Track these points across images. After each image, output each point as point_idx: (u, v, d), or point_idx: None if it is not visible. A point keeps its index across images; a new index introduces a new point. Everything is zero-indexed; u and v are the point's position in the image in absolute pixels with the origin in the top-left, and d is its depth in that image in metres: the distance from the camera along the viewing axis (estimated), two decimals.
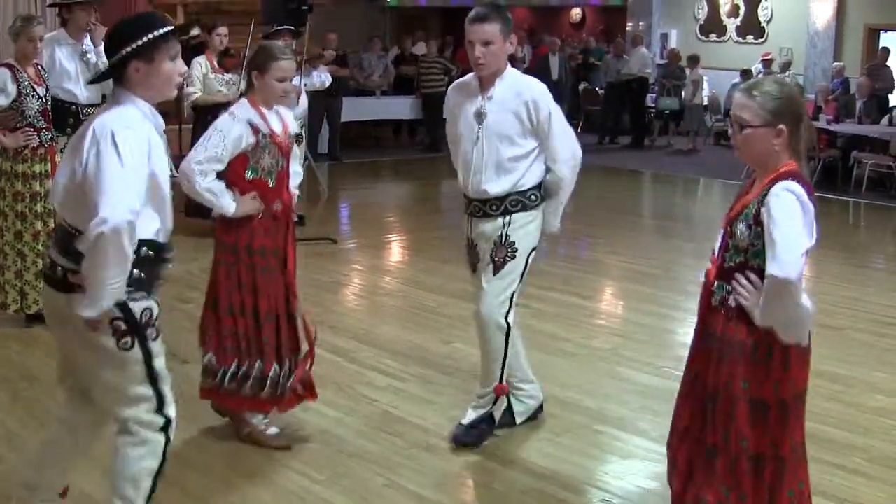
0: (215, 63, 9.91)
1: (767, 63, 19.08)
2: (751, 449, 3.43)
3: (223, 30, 10.03)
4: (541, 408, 5.40)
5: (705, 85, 18.46)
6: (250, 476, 4.73)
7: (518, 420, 5.27)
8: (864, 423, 5.53)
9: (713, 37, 21.21)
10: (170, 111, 11.27)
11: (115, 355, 3.58)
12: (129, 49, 3.54)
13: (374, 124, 18.18)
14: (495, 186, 4.84)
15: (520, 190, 4.87)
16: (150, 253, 3.56)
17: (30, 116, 6.70)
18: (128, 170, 3.38)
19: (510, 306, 4.94)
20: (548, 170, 4.94)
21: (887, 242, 11.78)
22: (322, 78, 10.59)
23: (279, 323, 4.95)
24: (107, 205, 3.28)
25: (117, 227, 3.25)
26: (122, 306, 3.49)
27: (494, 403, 5.11)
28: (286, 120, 5.05)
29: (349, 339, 6.80)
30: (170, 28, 3.65)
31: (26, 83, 6.69)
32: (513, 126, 4.80)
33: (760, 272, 3.32)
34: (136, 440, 3.74)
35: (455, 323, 7.05)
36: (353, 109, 16.33)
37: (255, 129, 4.81)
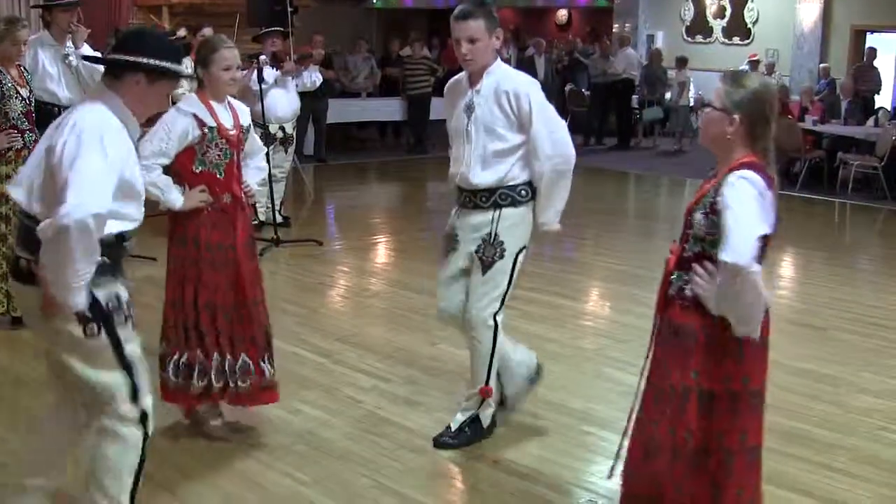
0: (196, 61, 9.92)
1: (754, 64, 19.15)
2: (694, 442, 3.46)
3: (208, 31, 10.05)
4: (538, 371, 5.42)
5: (691, 86, 18.52)
6: (235, 477, 4.74)
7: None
8: (848, 423, 5.56)
9: (699, 38, 21.27)
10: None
11: (82, 343, 3.61)
12: (139, 59, 3.64)
13: (359, 126, 18.20)
14: (483, 178, 4.85)
15: (509, 184, 4.86)
16: (114, 238, 3.62)
17: (13, 118, 6.71)
18: (107, 169, 3.44)
19: (500, 306, 4.95)
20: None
21: (872, 243, 11.83)
22: (313, 77, 10.60)
23: (222, 315, 4.92)
24: (78, 197, 3.32)
25: (83, 221, 3.28)
26: (89, 295, 3.53)
27: (480, 405, 5.13)
28: (238, 113, 5.07)
29: (334, 340, 6.81)
30: (183, 71, 3.82)
31: (9, 85, 6.70)
32: (498, 119, 4.81)
33: (716, 261, 3.35)
34: (114, 436, 3.76)
35: (440, 324, 7.03)
36: (339, 111, 16.33)
37: (201, 123, 4.85)
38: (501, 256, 4.89)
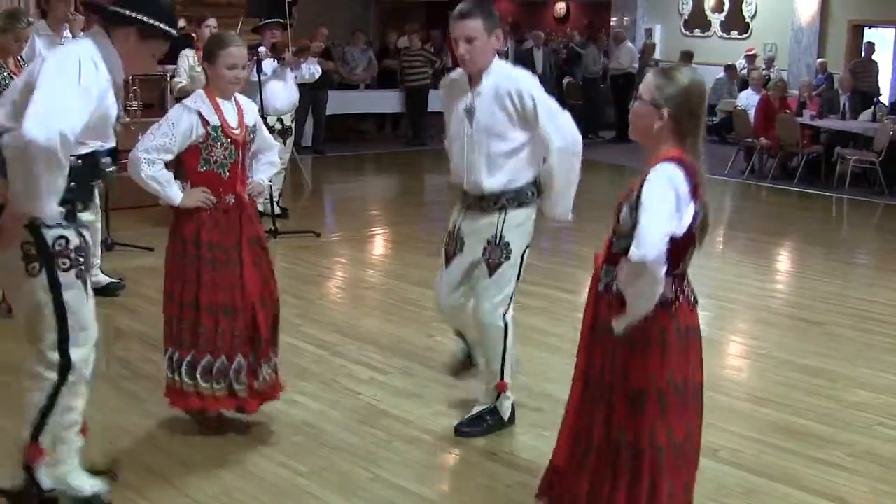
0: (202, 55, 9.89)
1: (751, 58, 19.17)
2: (629, 439, 3.46)
3: (213, 22, 9.99)
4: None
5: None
6: (234, 468, 4.72)
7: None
8: (845, 418, 5.56)
9: (697, 32, 21.27)
10: (153, 103, 11.26)
11: (24, 279, 3.76)
12: (139, 16, 3.83)
13: (357, 118, 18.18)
14: (490, 183, 4.81)
15: (516, 187, 4.84)
16: (80, 163, 3.77)
17: None
18: (79, 93, 3.61)
19: (508, 305, 4.96)
20: (545, 160, 4.89)
21: (870, 238, 11.83)
22: (311, 70, 10.56)
23: (223, 317, 4.88)
24: (46, 113, 3.47)
25: (49, 137, 3.42)
26: (35, 230, 3.68)
27: (497, 399, 5.14)
28: (244, 111, 5.03)
29: (332, 332, 6.80)
30: (175, 34, 3.96)
31: (6, 74, 6.70)
32: (501, 120, 4.76)
33: None
34: (31, 373, 3.91)
35: (438, 317, 7.03)
36: (338, 103, 16.32)
37: (206, 122, 4.82)
38: (507, 258, 4.88)
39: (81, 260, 3.83)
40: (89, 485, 4.16)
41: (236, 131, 4.91)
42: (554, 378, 5.88)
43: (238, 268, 4.90)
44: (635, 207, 3.33)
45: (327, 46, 15.62)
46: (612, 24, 21.45)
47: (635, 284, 3.25)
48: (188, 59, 9.74)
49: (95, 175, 3.94)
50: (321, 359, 6.23)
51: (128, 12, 3.83)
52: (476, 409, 5.19)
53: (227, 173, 4.89)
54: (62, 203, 3.70)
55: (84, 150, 3.79)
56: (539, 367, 6.05)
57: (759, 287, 8.59)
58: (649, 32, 21.69)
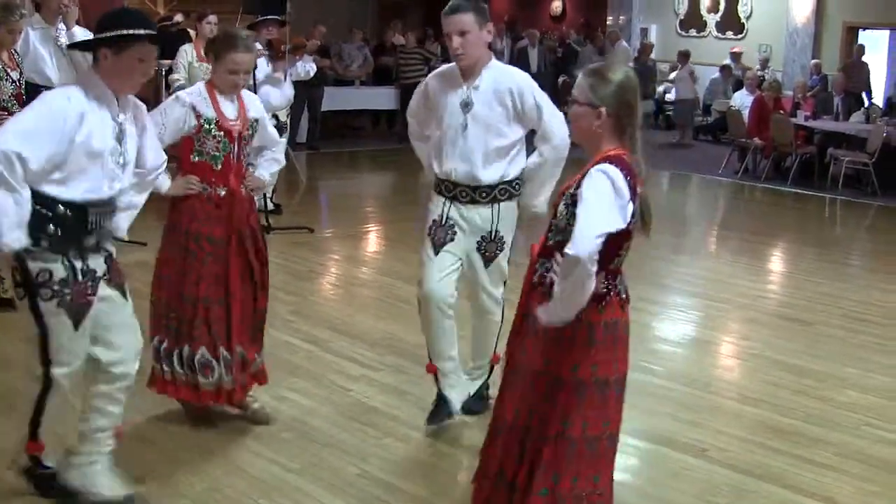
0: (202, 52, 9.84)
1: (737, 56, 19.17)
2: (536, 425, 3.50)
3: (213, 18, 9.97)
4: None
5: (696, 79, 18.42)
6: (223, 464, 4.73)
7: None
8: (833, 418, 5.58)
9: (693, 32, 21.29)
10: (148, 98, 11.22)
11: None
12: (100, 36, 3.84)
13: (352, 114, 18.16)
14: (487, 175, 4.91)
15: (507, 179, 4.97)
16: (68, 213, 3.78)
17: (4, 100, 6.68)
18: (35, 117, 3.68)
19: (503, 288, 5.16)
20: (533, 152, 5.04)
21: (862, 239, 11.86)
22: (307, 68, 10.52)
23: (208, 309, 4.91)
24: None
25: None
26: (21, 260, 3.76)
27: (490, 371, 5.30)
28: (247, 106, 5.02)
29: (324, 328, 6.80)
30: (144, 31, 3.86)
31: (0, 68, 6.67)
32: (500, 116, 4.86)
33: None
34: (27, 373, 4.06)
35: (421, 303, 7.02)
36: (333, 99, 16.30)
37: (198, 114, 4.84)
38: (501, 248, 5.06)
39: (67, 291, 3.85)
40: (109, 488, 4.19)
41: (233, 124, 4.91)
42: None
43: (225, 261, 4.91)
44: (572, 204, 3.37)
45: (323, 44, 15.61)
46: (608, 22, 21.45)
47: (567, 280, 3.27)
48: (187, 54, 9.72)
49: (84, 230, 3.87)
50: (312, 355, 6.23)
51: (87, 38, 3.92)
52: (475, 384, 5.34)
53: (220, 165, 4.89)
54: (39, 238, 3.75)
55: (68, 196, 3.78)
56: None
57: (751, 287, 8.59)
58: (645, 32, 21.70)
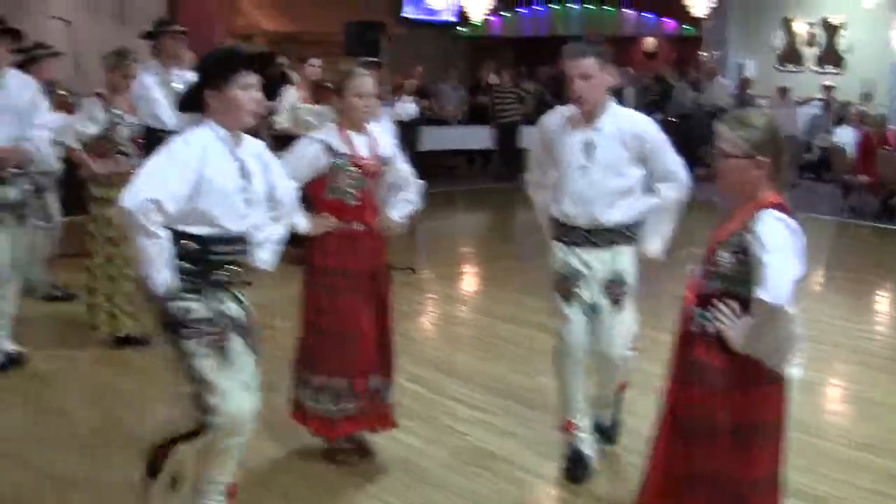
0: (306, 94, 10.01)
1: (827, 89, 18.84)
2: (732, 474, 3.48)
3: (316, 61, 10.12)
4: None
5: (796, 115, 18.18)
6: (333, 502, 4.80)
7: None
8: None
9: (790, 67, 21.06)
10: None
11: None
12: (200, 78, 4.00)
13: (447, 154, 18.27)
14: (609, 217, 4.92)
15: (628, 222, 4.98)
16: (196, 246, 3.91)
17: (120, 144, 6.93)
18: (169, 162, 3.84)
19: (630, 336, 5.14)
20: (653, 194, 5.05)
21: None
22: (408, 109, 10.65)
23: (345, 342, 5.03)
24: (130, 190, 3.77)
25: (132, 211, 3.73)
26: (160, 301, 3.85)
27: (617, 397, 5.39)
28: (379, 143, 5.14)
29: (430, 368, 6.85)
30: (240, 58, 4.00)
31: (117, 112, 6.93)
32: (621, 158, 4.89)
33: (741, 300, 3.38)
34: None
35: (534, 355, 7.05)
36: (430, 139, 16.44)
37: (331, 151, 4.95)
38: (626, 292, 5.03)
39: (207, 330, 3.92)
40: None
41: (366, 161, 5.02)
42: (638, 413, 5.82)
43: (360, 295, 5.04)
44: (741, 251, 3.37)
45: (420, 84, 15.77)
46: (702, 58, 21.30)
47: (774, 329, 3.28)
48: (289, 97, 9.88)
49: (217, 267, 3.99)
50: (420, 395, 6.27)
51: (190, 88, 4.06)
52: (605, 414, 5.39)
53: (354, 201, 5.02)
54: (182, 278, 3.88)
55: (199, 233, 3.92)
56: (643, 409, 5.96)
57: (859, 329, 8.45)
58: (741, 67, 21.52)
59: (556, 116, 5.13)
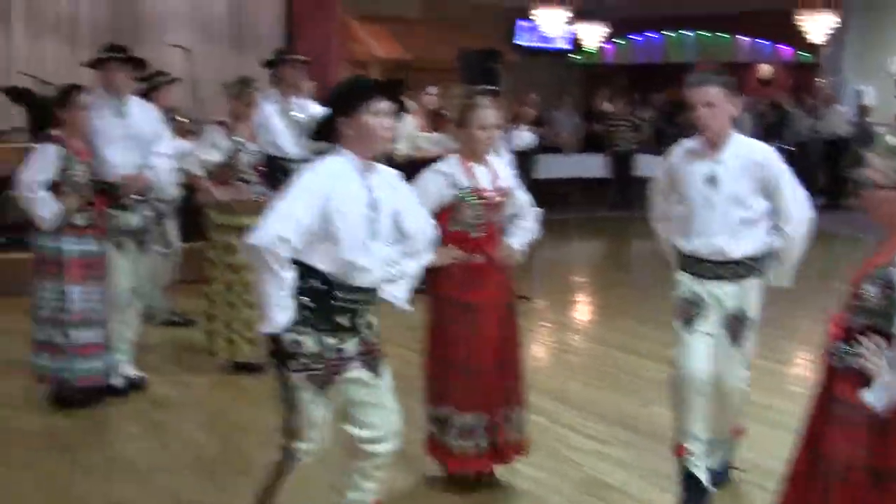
0: (424, 122, 10.04)
1: None
2: None
3: (433, 89, 10.18)
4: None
5: None
6: None
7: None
8: None
9: None
10: None
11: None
12: (333, 106, 4.01)
13: (561, 182, 18.13)
14: (734, 249, 4.84)
15: (754, 255, 4.88)
16: (322, 286, 3.89)
17: (242, 171, 7.04)
18: (289, 201, 3.83)
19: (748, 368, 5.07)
20: (777, 231, 4.93)
21: None
22: (525, 138, 10.63)
23: (475, 375, 5.01)
24: (259, 227, 3.79)
25: (258, 247, 3.74)
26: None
27: (732, 443, 5.26)
28: (500, 173, 5.12)
29: (547, 398, 6.75)
30: (372, 85, 4.04)
31: (239, 139, 7.04)
32: (746, 189, 4.81)
33: (887, 335, 3.23)
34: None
35: (648, 384, 6.98)
36: (544, 167, 16.25)
37: (455, 184, 4.94)
38: (749, 326, 4.95)
39: (316, 366, 3.92)
40: None
41: (489, 193, 5.00)
42: (778, 454, 5.68)
43: (488, 327, 5.02)
44: (888, 285, 3.24)
45: (538, 112, 15.74)
46: (819, 85, 20.88)
47: None
48: (407, 125, 9.90)
49: (337, 301, 3.94)
50: (540, 426, 6.12)
51: (324, 119, 4.04)
52: (715, 458, 5.19)
53: (477, 232, 4.99)
54: (299, 311, 3.87)
55: (322, 267, 3.89)
56: (759, 442, 5.84)
57: None
58: (859, 94, 21.02)
59: (679, 149, 5.08)
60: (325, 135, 4.06)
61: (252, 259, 3.86)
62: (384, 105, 3.97)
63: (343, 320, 3.95)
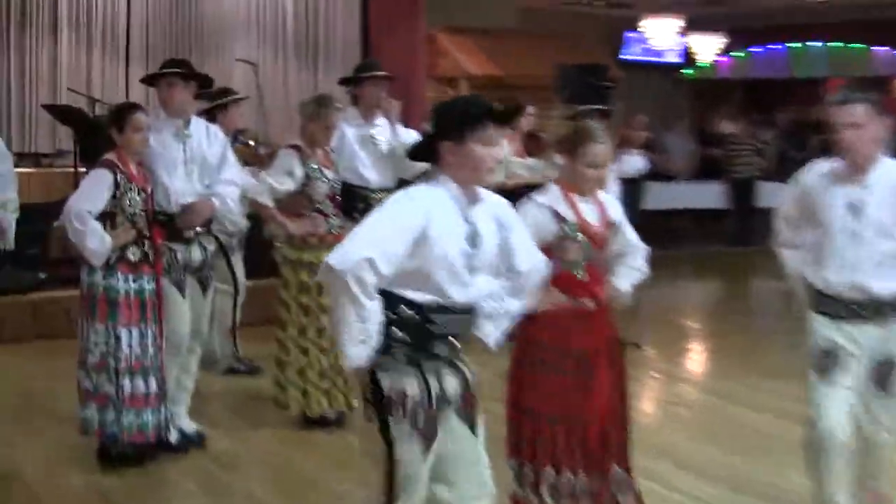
0: (520, 146, 9.99)
1: None
2: None
3: (531, 110, 10.10)
4: None
5: None
6: None
7: None
8: None
9: None
10: None
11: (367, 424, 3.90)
12: (437, 128, 3.97)
13: (674, 213, 17.85)
14: (879, 286, 4.76)
15: None
16: (416, 316, 3.84)
17: (318, 201, 6.99)
18: (379, 224, 3.80)
19: None
20: None
21: None
22: (635, 164, 10.56)
23: (570, 428, 4.93)
24: (342, 247, 3.72)
25: (340, 269, 3.66)
26: (372, 373, 3.80)
27: None
28: (607, 207, 5.06)
29: (659, 459, 6.62)
30: (487, 110, 3.92)
31: (314, 166, 6.99)
32: (894, 219, 4.73)
33: None
34: None
35: (774, 445, 6.80)
36: (654, 197, 15.90)
37: (560, 218, 4.88)
38: None
39: (420, 413, 3.87)
40: None
41: (596, 228, 4.95)
42: None
43: (589, 376, 4.95)
44: None
45: (649, 135, 15.60)
46: None
47: None
48: (502, 149, 9.83)
49: (433, 337, 3.91)
50: (654, 493, 5.95)
51: (426, 140, 4.04)
52: None
53: (584, 273, 4.93)
54: (389, 346, 3.81)
55: (415, 299, 3.85)
56: None
57: None
58: None
59: (816, 172, 5.00)
60: (424, 156, 4.06)
61: (330, 283, 3.76)
62: (496, 133, 3.94)
63: (442, 349, 3.93)
